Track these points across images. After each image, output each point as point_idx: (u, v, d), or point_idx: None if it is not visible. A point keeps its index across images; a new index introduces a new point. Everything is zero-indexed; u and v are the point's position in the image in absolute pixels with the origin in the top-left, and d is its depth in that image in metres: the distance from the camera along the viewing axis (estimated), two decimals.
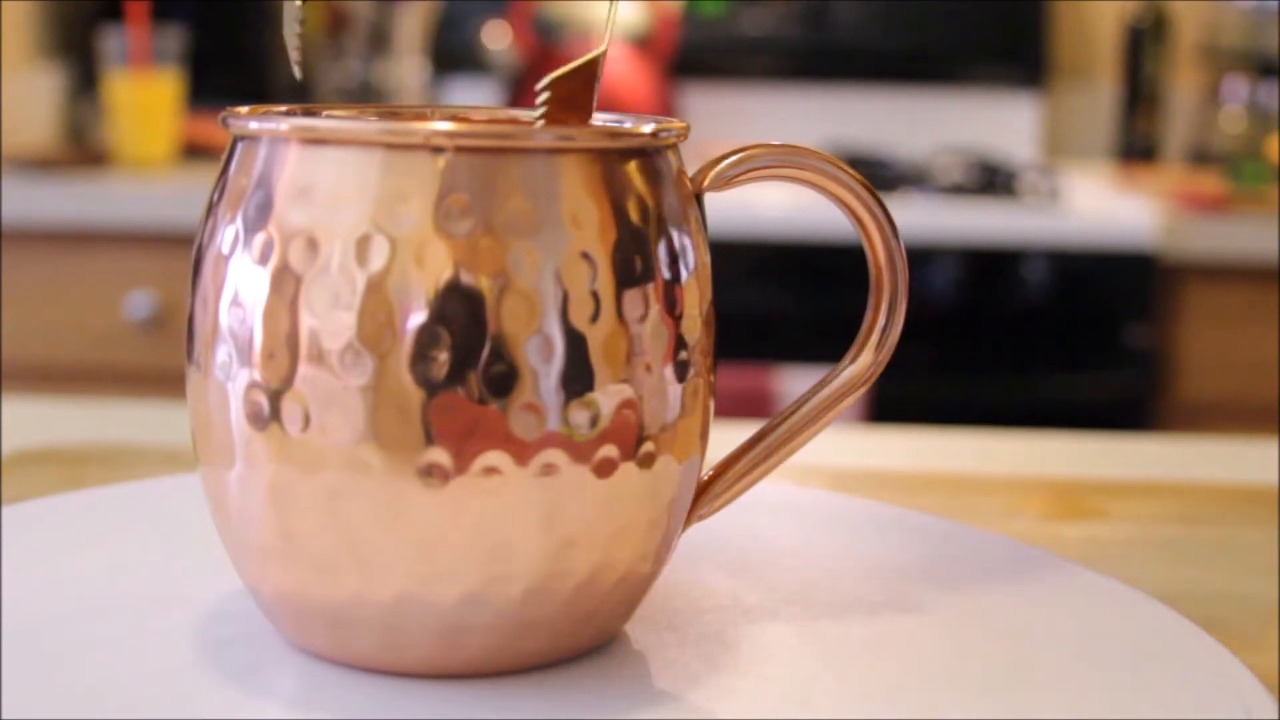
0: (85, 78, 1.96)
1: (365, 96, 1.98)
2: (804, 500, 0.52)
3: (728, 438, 0.43)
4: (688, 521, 0.39)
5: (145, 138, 1.75)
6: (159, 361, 1.64)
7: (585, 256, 0.34)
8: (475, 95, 1.98)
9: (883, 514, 0.50)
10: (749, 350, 1.57)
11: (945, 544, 0.47)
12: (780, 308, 1.64)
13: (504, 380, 0.34)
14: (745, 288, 1.62)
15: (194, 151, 1.80)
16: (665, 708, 0.35)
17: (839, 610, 0.41)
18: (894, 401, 1.44)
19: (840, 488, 0.56)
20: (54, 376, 1.65)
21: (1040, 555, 0.46)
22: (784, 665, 0.38)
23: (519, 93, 1.89)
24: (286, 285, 0.34)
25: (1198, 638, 0.40)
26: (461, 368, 0.33)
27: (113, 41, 1.74)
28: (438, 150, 0.34)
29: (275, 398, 0.34)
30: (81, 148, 1.89)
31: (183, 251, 1.56)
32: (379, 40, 2.01)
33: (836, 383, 0.40)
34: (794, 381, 1.54)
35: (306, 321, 0.34)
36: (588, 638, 0.37)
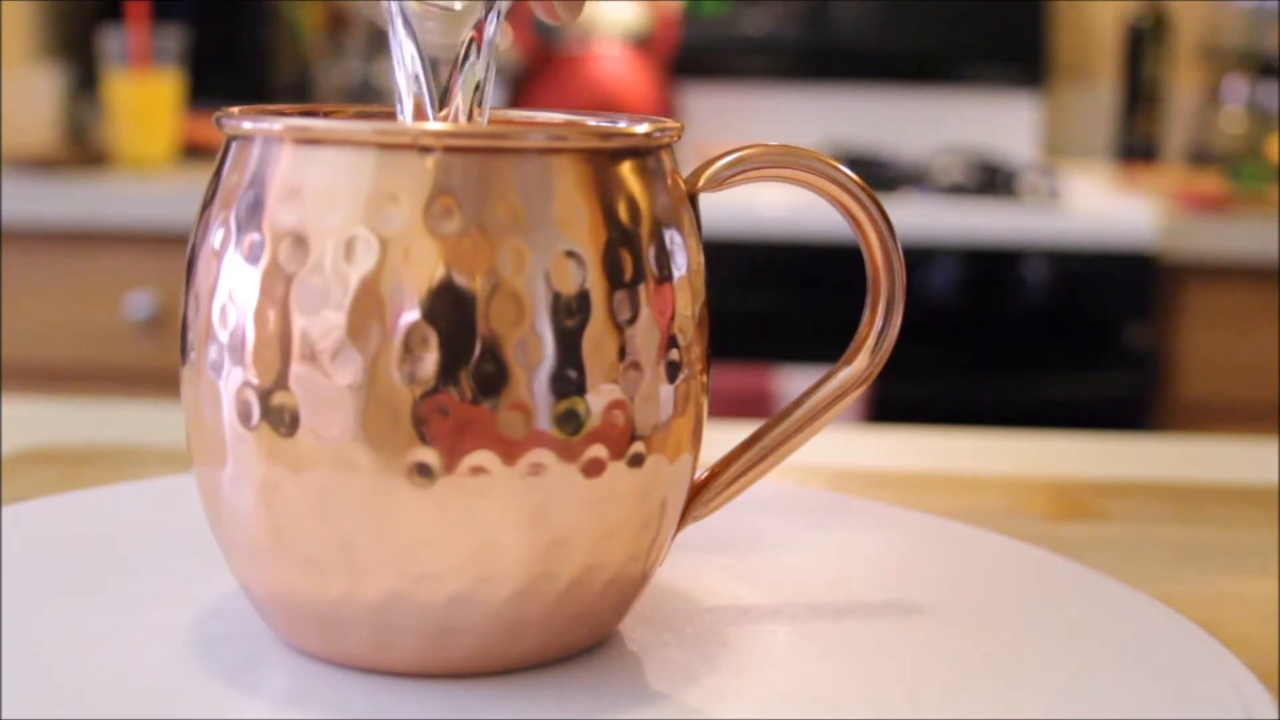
0: (85, 78, 1.96)
1: (365, 97, 1.98)
2: (804, 500, 0.52)
3: (725, 438, 0.42)
4: (682, 522, 0.39)
5: (145, 138, 1.75)
6: (159, 361, 1.63)
7: (575, 257, 0.34)
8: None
9: (883, 514, 0.50)
10: (748, 350, 1.57)
11: (945, 544, 0.47)
12: (779, 308, 1.64)
13: (493, 380, 0.33)
14: (744, 288, 1.61)
15: (194, 151, 1.80)
16: (660, 707, 0.35)
17: (839, 610, 0.41)
18: (894, 401, 1.43)
19: (840, 488, 0.55)
20: (54, 376, 1.65)
21: (1040, 555, 0.46)
22: (783, 665, 0.38)
23: (519, 93, 1.89)
24: (277, 285, 0.34)
25: (1198, 638, 0.40)
26: (451, 367, 0.33)
27: (113, 41, 1.74)
28: (426, 150, 0.34)
29: (266, 396, 0.34)
30: (81, 148, 1.89)
31: (182, 252, 1.56)
32: (379, 40, 2.01)
33: (833, 385, 0.40)
34: (793, 382, 1.54)
35: (297, 321, 0.34)
36: (579, 638, 0.37)
